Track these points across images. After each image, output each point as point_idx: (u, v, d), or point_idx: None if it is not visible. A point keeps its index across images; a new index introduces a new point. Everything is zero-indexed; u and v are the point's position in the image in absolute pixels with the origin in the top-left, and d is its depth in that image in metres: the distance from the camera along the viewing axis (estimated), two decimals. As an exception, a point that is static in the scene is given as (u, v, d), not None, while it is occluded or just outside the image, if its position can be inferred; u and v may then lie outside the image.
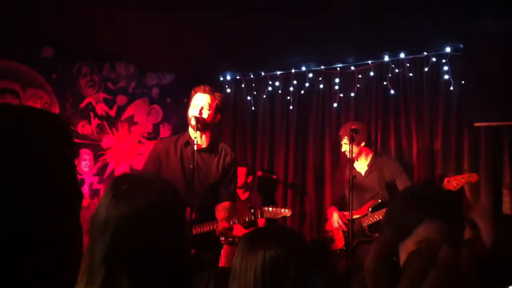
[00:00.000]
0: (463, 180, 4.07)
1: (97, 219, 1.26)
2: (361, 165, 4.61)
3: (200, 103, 3.52)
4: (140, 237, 1.22)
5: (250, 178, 5.59)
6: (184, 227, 1.33)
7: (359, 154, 4.55)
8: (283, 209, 3.64)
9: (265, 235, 1.58)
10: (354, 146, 4.24)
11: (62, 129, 0.90)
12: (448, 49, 4.95)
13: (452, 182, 4.06)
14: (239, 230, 4.97)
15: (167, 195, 1.30)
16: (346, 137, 4.45)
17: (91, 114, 5.54)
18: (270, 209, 3.60)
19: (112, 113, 5.73)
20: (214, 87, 3.74)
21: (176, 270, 1.24)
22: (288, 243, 1.51)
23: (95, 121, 5.57)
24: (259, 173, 5.86)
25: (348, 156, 4.25)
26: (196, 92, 3.58)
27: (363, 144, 4.53)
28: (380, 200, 4.42)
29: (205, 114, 3.50)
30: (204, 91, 3.55)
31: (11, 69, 4.95)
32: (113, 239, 1.20)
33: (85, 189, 5.40)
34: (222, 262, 4.39)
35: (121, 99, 5.81)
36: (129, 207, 1.23)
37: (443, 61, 5.00)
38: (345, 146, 4.50)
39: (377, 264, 1.15)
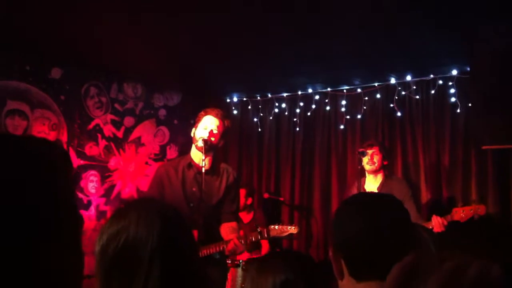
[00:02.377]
0: (471, 212, 4.04)
1: (103, 244, 1.27)
2: (372, 186, 4.55)
3: (210, 126, 3.51)
4: (144, 261, 1.23)
5: (250, 200, 5.57)
6: (193, 255, 1.33)
7: (376, 172, 4.51)
8: (289, 226, 3.59)
9: (276, 260, 1.58)
10: (379, 160, 4.36)
11: (61, 156, 0.90)
12: (454, 72, 4.97)
13: (460, 213, 4.03)
14: (242, 254, 4.94)
15: (172, 224, 1.30)
16: (373, 149, 4.40)
17: (99, 135, 5.56)
18: (276, 227, 3.56)
19: (120, 134, 5.75)
20: (224, 109, 3.75)
21: None
22: (298, 268, 1.51)
23: (102, 142, 5.59)
24: (266, 195, 5.84)
25: (372, 168, 4.36)
26: (207, 114, 3.56)
27: (385, 162, 4.51)
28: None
29: (214, 137, 3.50)
30: (217, 116, 3.54)
31: (20, 90, 5.00)
32: (119, 260, 1.22)
33: (92, 211, 5.39)
34: (228, 286, 4.35)
35: (128, 121, 5.84)
36: (140, 233, 1.23)
37: (450, 83, 5.02)
38: (365, 159, 4.43)
39: (398, 285, 1.13)
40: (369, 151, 4.42)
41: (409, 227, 1.41)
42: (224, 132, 3.58)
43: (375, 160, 4.42)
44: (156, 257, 1.21)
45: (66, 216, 0.83)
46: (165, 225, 1.26)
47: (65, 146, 5.28)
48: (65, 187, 0.85)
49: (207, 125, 3.52)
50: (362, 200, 1.50)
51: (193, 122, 3.69)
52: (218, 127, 3.52)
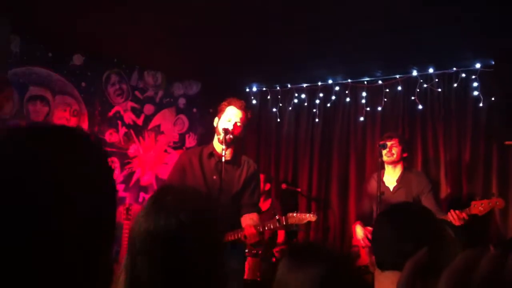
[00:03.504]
0: (490, 205, 4.01)
1: (137, 225, 1.27)
2: (391, 179, 4.51)
3: (234, 118, 3.50)
4: (174, 252, 1.23)
5: (268, 186, 5.57)
6: (219, 250, 1.33)
7: (395, 164, 4.48)
8: (307, 214, 3.57)
9: (314, 251, 1.56)
10: (398, 152, 4.35)
11: (94, 146, 0.86)
12: (478, 65, 4.89)
13: (479, 207, 3.99)
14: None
15: (207, 216, 1.30)
16: (392, 141, 4.37)
17: (119, 122, 5.61)
18: (295, 214, 3.55)
19: (140, 122, 5.79)
20: (244, 100, 3.74)
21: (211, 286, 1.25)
22: (337, 262, 1.48)
23: (122, 130, 5.64)
24: (284, 186, 5.83)
25: (390, 160, 4.36)
26: (229, 105, 3.54)
27: (405, 155, 4.48)
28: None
29: (237, 130, 3.50)
30: (240, 107, 3.53)
31: (42, 76, 5.05)
32: (152, 247, 1.22)
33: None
34: (245, 275, 4.37)
35: (148, 108, 5.87)
36: (167, 221, 1.23)
37: (473, 77, 4.94)
38: (384, 150, 4.40)
39: (411, 280, 1.13)
40: (388, 143, 4.39)
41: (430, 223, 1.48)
42: (247, 124, 3.58)
43: (393, 151, 4.39)
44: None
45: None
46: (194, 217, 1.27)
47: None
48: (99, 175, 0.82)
49: (231, 117, 3.50)
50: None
51: (214, 111, 3.68)
52: (241, 119, 3.52)
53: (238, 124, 3.49)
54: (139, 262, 1.22)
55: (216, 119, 3.59)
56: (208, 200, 1.36)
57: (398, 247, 1.45)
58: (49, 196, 0.71)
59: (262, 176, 5.29)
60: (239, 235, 3.44)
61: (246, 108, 3.57)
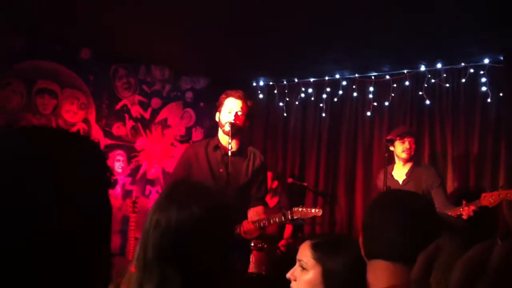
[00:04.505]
0: (500, 196, 3.98)
1: (150, 216, 1.28)
2: (400, 173, 4.50)
3: (234, 109, 3.50)
4: (185, 245, 1.23)
5: (276, 184, 5.57)
6: (229, 245, 1.33)
7: (409, 160, 4.47)
8: (313, 209, 3.59)
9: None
10: (414, 149, 4.34)
11: (95, 153, 0.86)
12: (486, 61, 4.86)
13: (489, 198, 3.97)
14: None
15: (219, 211, 1.31)
16: (411, 139, 4.36)
17: (126, 116, 5.63)
18: (300, 209, 3.57)
19: (147, 115, 5.81)
20: (247, 92, 3.73)
21: (220, 281, 1.25)
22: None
23: (129, 123, 5.65)
24: (290, 180, 5.83)
25: (407, 157, 4.33)
26: (228, 96, 3.55)
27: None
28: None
29: (239, 120, 3.51)
30: (238, 97, 3.53)
31: (51, 70, 5.07)
32: (163, 240, 1.22)
33: (118, 190, 5.47)
34: (251, 268, 4.38)
35: (155, 102, 5.88)
36: (180, 213, 1.24)
37: (481, 72, 4.91)
38: (400, 147, 4.39)
39: (424, 273, 1.13)
40: (407, 140, 4.36)
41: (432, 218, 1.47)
42: (249, 113, 3.58)
43: (401, 154, 4.38)
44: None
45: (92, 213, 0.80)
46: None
47: (93, 125, 5.36)
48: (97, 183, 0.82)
49: (231, 108, 3.50)
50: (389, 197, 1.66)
51: (213, 106, 3.68)
52: (242, 108, 3.52)
53: (240, 113, 3.49)
54: (151, 256, 1.23)
55: (217, 113, 3.60)
56: (222, 195, 1.36)
57: (387, 236, 1.44)
58: (49, 196, 0.71)
59: (269, 174, 5.30)
60: (239, 230, 3.44)
61: (244, 97, 3.56)
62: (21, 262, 0.68)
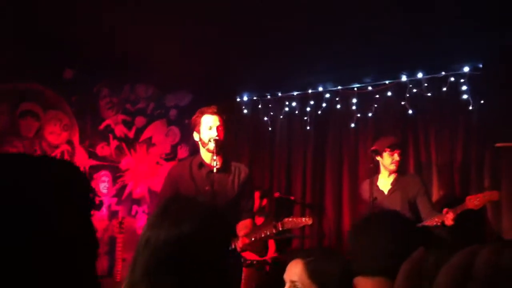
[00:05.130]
0: (484, 198, 4.01)
1: (142, 234, 1.27)
2: (385, 183, 4.50)
3: (213, 124, 3.47)
4: (176, 262, 1.22)
5: (265, 201, 5.54)
6: (225, 264, 1.32)
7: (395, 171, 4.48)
8: (303, 218, 3.59)
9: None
10: (399, 160, 4.31)
11: (79, 178, 0.88)
12: (466, 69, 4.93)
13: (474, 201, 4.00)
14: (253, 255, 4.92)
15: (212, 229, 1.30)
16: (399, 150, 4.36)
17: (110, 135, 5.59)
18: (290, 219, 3.56)
19: (131, 134, 5.78)
20: (228, 106, 3.69)
21: None
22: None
23: (114, 143, 5.62)
24: (277, 194, 5.82)
25: (395, 168, 4.31)
26: (203, 114, 3.51)
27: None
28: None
29: (221, 134, 3.48)
30: (214, 113, 3.49)
31: (33, 91, 5.03)
32: (152, 257, 1.21)
33: (104, 211, 5.42)
34: (242, 285, 4.34)
35: (139, 121, 5.86)
36: (170, 230, 1.23)
37: (462, 80, 4.97)
38: (388, 159, 4.39)
39: (408, 282, 1.13)
40: (396, 153, 4.36)
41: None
42: (226, 126, 3.55)
43: (388, 165, 4.38)
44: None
45: (79, 239, 0.81)
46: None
47: (77, 147, 5.32)
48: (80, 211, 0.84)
49: (211, 125, 3.47)
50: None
51: (188, 125, 3.64)
52: (220, 121, 3.49)
53: (220, 128, 3.47)
54: (139, 274, 1.22)
55: (195, 133, 3.56)
56: (215, 210, 1.35)
57: (369, 256, 1.53)
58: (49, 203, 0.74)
59: (258, 193, 5.26)
60: (234, 245, 3.42)
61: (219, 110, 3.52)
62: (20, 262, 0.70)
